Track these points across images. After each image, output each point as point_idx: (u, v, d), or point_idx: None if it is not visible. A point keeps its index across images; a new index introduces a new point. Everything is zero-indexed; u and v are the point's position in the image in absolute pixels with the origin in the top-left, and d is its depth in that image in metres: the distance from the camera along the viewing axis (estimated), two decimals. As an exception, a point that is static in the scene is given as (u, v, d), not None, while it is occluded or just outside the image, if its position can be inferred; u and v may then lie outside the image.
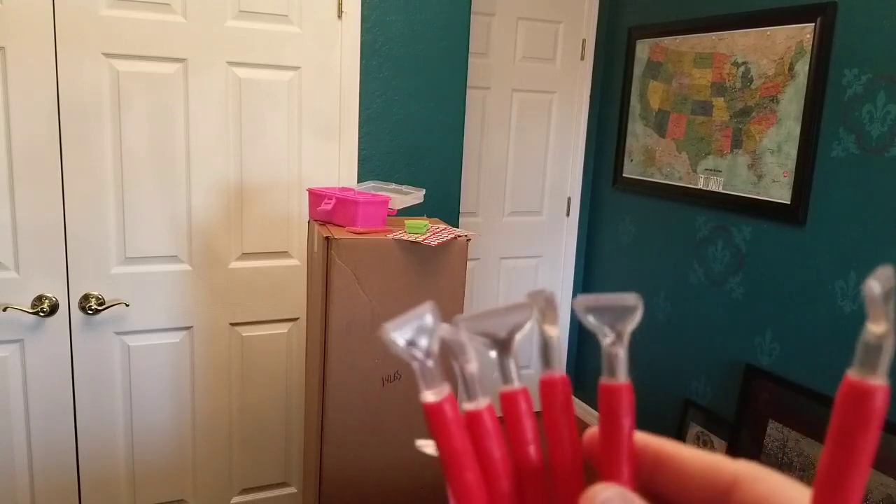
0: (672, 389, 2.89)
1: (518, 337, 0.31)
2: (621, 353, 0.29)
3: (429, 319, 0.30)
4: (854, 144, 2.18)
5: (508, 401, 0.31)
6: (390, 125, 2.22)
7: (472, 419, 0.30)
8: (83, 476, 1.99)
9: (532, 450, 0.31)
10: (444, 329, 0.30)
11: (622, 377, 0.30)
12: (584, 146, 3.38)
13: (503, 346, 0.31)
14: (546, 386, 0.31)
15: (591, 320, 0.30)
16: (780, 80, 2.41)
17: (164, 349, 2.03)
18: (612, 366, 0.30)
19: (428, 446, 0.32)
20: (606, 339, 0.30)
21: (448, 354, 0.30)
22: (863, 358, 0.23)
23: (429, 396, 0.29)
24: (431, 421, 0.29)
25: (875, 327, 0.24)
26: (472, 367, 0.30)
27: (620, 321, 0.29)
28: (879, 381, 0.23)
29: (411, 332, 0.29)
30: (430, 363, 0.29)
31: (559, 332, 0.31)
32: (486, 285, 3.33)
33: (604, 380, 0.30)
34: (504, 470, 0.30)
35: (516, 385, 0.31)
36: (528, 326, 0.31)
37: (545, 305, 0.31)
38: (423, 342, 0.29)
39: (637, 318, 0.29)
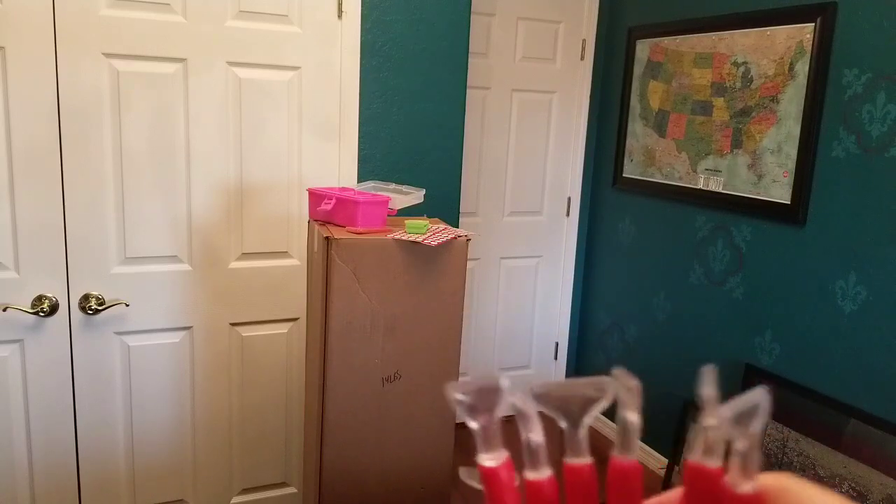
0: (672, 389, 2.89)
1: (591, 415, 0.31)
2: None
3: (497, 386, 0.30)
4: (854, 144, 2.18)
5: (575, 473, 0.31)
6: (390, 125, 2.22)
7: (534, 488, 0.30)
8: (83, 476, 1.99)
9: None
10: (517, 397, 0.30)
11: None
12: (584, 146, 3.38)
13: (574, 419, 0.31)
14: (618, 470, 0.30)
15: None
16: (780, 80, 2.41)
17: (164, 349, 2.03)
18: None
19: (472, 477, 0.32)
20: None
21: (517, 421, 0.30)
22: (702, 445, 0.29)
23: (487, 461, 0.30)
24: (487, 485, 0.30)
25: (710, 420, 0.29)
26: (538, 437, 0.31)
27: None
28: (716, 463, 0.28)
29: (476, 395, 0.30)
30: (493, 428, 0.30)
31: (639, 419, 0.31)
32: (486, 285, 3.33)
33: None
34: None
35: (586, 459, 0.31)
36: (601, 406, 0.30)
37: (626, 391, 0.30)
38: (488, 407, 0.30)
39: (763, 417, 0.28)
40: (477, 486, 0.32)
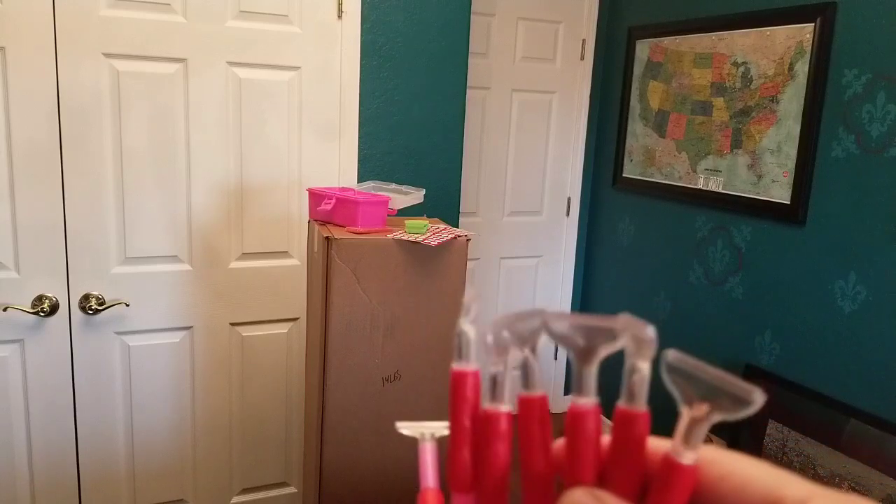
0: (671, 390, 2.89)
1: (605, 351, 0.30)
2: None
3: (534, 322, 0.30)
4: (854, 144, 2.18)
5: (578, 417, 0.30)
6: (390, 125, 2.22)
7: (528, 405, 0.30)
8: (83, 476, 1.99)
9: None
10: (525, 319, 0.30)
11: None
12: (584, 146, 3.38)
13: (588, 353, 0.29)
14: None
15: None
16: (779, 80, 2.41)
17: (164, 349, 2.03)
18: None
19: (405, 428, 0.33)
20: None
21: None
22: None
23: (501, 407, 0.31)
24: (488, 432, 0.30)
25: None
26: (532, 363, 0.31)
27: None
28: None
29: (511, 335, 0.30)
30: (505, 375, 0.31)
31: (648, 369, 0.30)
32: (486, 285, 3.33)
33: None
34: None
35: (592, 400, 0.30)
36: (617, 345, 0.29)
37: (637, 339, 0.29)
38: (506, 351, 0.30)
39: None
40: (410, 433, 0.32)
